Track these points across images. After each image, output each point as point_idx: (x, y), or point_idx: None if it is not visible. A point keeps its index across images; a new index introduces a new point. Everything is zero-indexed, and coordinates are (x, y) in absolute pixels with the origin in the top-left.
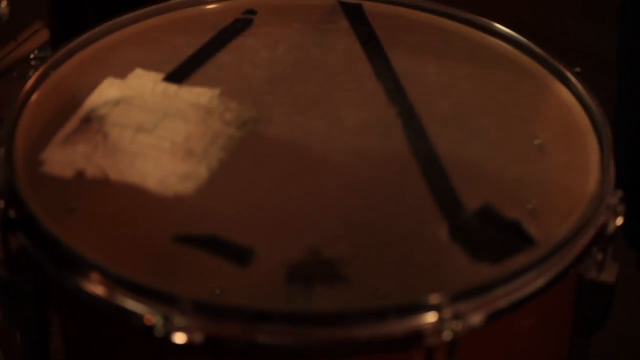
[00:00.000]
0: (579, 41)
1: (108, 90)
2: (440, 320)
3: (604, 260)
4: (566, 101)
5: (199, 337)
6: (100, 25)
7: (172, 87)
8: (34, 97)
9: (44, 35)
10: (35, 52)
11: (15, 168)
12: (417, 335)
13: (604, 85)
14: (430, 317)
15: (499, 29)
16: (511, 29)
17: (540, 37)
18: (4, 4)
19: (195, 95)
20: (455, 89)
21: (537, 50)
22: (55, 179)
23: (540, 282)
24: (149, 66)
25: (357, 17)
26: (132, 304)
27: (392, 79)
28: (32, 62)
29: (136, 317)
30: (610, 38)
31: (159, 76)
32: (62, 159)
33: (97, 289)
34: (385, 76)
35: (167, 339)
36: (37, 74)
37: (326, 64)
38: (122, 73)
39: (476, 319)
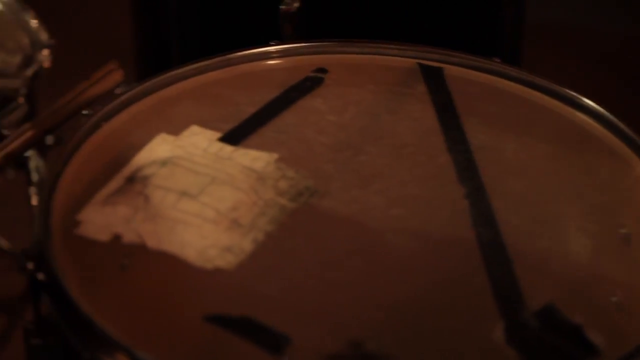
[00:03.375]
0: None
1: (159, 148)
2: None
3: None
4: None
5: None
6: (161, 75)
7: (227, 149)
8: (83, 149)
9: (118, 75)
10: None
11: (50, 228)
12: None
13: None
14: None
15: (587, 104)
16: (601, 105)
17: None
18: (45, 52)
19: (251, 159)
20: (532, 169)
21: (628, 131)
22: (90, 242)
23: None
24: (207, 123)
25: (435, 82)
26: None
27: (465, 153)
28: (84, 112)
29: None
30: None
31: (215, 135)
32: (100, 221)
33: None
34: (458, 150)
35: None
36: (88, 124)
37: (396, 133)
38: (177, 129)
39: None
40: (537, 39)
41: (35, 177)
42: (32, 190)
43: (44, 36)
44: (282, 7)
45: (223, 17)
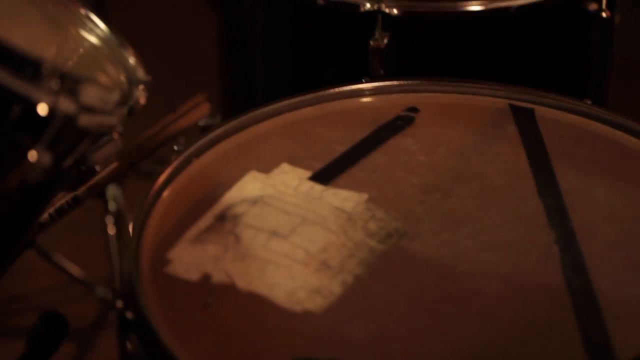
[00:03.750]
0: None
1: (249, 186)
2: None
3: None
4: None
5: None
6: (252, 111)
7: (317, 188)
8: (173, 185)
9: (205, 109)
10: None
11: (140, 266)
12: None
13: None
14: None
15: None
16: None
17: None
18: (142, 89)
19: (341, 199)
20: (624, 215)
21: None
22: (179, 281)
23: None
24: (297, 161)
25: (526, 123)
26: None
27: (556, 197)
28: (175, 148)
29: None
30: None
31: (306, 174)
32: (190, 259)
33: None
34: (548, 194)
35: None
36: (179, 160)
37: (486, 175)
38: (268, 166)
39: None
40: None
41: (112, 206)
42: (109, 219)
43: (141, 73)
44: (372, 42)
45: (312, 52)
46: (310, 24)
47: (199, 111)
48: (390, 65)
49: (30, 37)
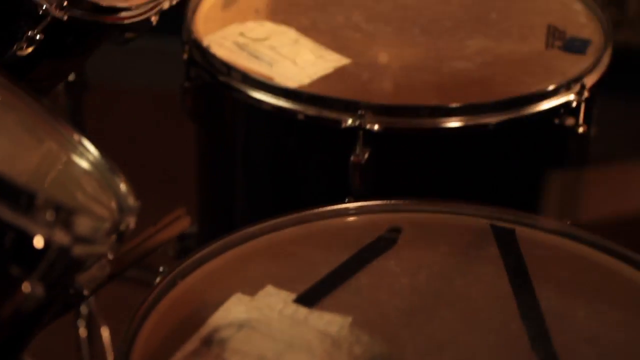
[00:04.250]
0: None
1: (235, 309)
2: None
3: None
4: None
5: None
6: (236, 232)
7: (302, 311)
8: (158, 309)
9: (185, 222)
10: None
11: None
12: None
13: None
14: None
15: None
16: None
17: None
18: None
19: (325, 322)
20: (605, 338)
21: None
22: None
23: None
24: (281, 283)
25: (508, 244)
26: None
27: (538, 321)
28: (161, 269)
29: None
30: None
31: (290, 296)
32: None
33: None
34: (530, 317)
35: None
36: (164, 282)
37: (469, 297)
38: (253, 288)
39: None
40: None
41: (84, 309)
42: (80, 322)
43: (131, 200)
44: (352, 158)
45: (291, 165)
46: (291, 138)
47: (180, 225)
48: (370, 180)
49: (9, 152)
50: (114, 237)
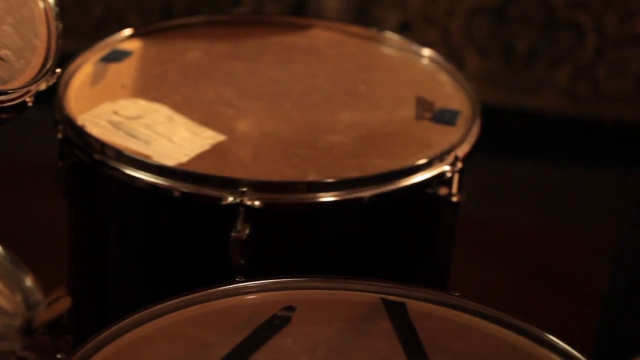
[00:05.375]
0: None
1: None
2: None
3: None
4: None
5: None
6: (130, 316)
7: None
8: None
9: (66, 302)
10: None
11: None
12: None
13: None
14: None
15: (552, 340)
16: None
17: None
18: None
19: None
20: None
21: None
22: None
23: None
24: None
25: (400, 318)
26: None
27: None
28: (59, 356)
29: None
30: None
31: None
32: None
33: None
34: None
35: None
36: None
37: None
38: None
39: None
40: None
41: None
42: None
43: (38, 296)
44: (233, 234)
45: (169, 242)
46: (168, 216)
47: (60, 305)
48: (252, 257)
49: None
50: (24, 333)
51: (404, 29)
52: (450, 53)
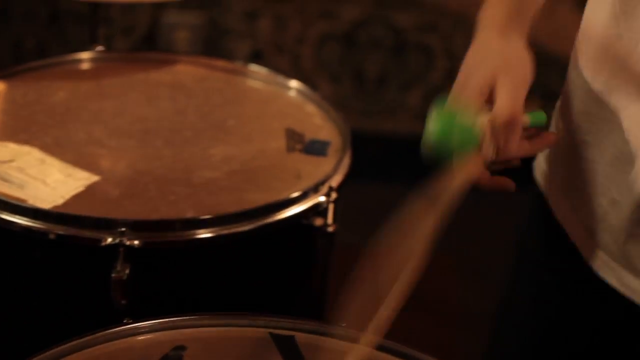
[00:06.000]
0: None
1: None
2: None
3: None
4: None
5: None
6: None
7: None
8: None
9: None
10: None
11: None
12: None
13: None
14: None
15: None
16: None
17: None
18: None
19: None
20: None
21: None
22: None
23: None
24: None
25: (290, 351)
26: None
27: None
28: None
29: None
30: None
31: None
32: None
33: None
34: None
35: None
36: None
37: None
38: None
39: None
40: None
41: None
42: None
43: None
44: (113, 274)
45: (47, 285)
46: (46, 259)
47: None
48: (134, 297)
49: None
50: None
51: (256, 58)
52: (302, 80)
